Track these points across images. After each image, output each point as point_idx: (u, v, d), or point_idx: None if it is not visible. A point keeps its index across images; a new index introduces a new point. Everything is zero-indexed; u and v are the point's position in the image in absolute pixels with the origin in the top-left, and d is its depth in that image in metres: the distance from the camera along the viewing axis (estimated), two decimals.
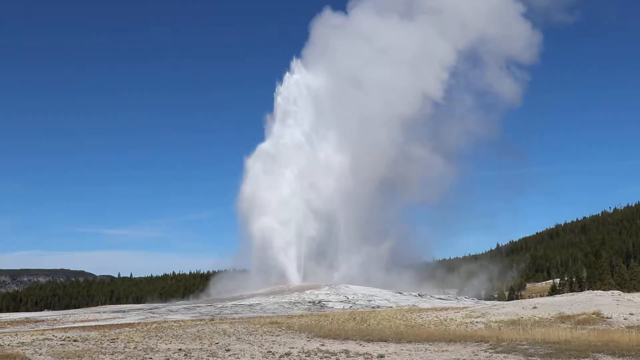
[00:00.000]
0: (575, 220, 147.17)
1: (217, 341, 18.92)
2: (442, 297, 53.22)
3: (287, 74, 69.90)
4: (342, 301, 43.85)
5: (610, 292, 32.96)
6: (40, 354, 15.98)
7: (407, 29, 70.79)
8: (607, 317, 24.24)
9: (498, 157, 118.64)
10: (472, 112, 76.27)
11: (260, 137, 71.26)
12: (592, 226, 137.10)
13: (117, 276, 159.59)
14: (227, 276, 69.46)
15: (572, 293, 42.94)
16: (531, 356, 14.57)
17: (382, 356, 15.03)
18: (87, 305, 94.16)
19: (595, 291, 34.93)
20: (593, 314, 24.80)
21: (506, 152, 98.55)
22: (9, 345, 18.34)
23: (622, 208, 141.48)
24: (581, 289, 68.11)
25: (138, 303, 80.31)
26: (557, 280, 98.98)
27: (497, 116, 79.16)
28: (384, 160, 67.62)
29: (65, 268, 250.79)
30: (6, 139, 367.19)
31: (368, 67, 68.32)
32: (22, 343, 18.87)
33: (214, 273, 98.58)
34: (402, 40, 70.01)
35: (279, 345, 17.63)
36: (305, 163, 66.18)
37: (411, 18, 71.76)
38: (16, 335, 22.85)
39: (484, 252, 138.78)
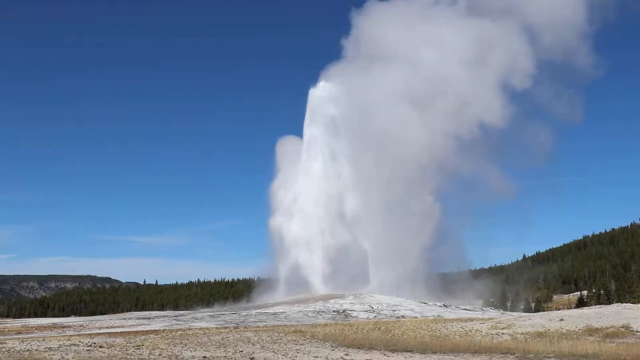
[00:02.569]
0: (603, 231, 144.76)
1: (241, 349, 18.95)
2: (468, 307, 52.72)
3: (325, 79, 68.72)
4: (366, 310, 43.68)
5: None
6: None
7: (470, 36, 69.39)
8: (636, 331, 23.78)
9: (536, 167, 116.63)
10: (528, 126, 75.42)
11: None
12: (621, 238, 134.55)
13: (142, 283, 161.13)
14: (254, 284, 69.55)
15: (600, 306, 42.25)
16: None
17: None
18: (113, 311, 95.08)
19: (624, 304, 34.37)
20: (622, 327, 24.36)
21: (546, 162, 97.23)
22: (36, 350, 18.55)
23: None
24: (609, 301, 66.95)
25: (163, 310, 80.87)
26: (585, 292, 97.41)
27: (551, 131, 78.05)
28: (425, 170, 66.37)
29: (92, 274, 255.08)
30: (34, 148, 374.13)
31: (423, 83, 66.44)
32: (50, 348, 19.08)
33: (239, 281, 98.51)
34: (465, 47, 68.71)
35: (303, 354, 17.60)
36: (336, 170, 65.50)
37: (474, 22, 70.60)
38: (43, 340, 23.12)
39: (510, 262, 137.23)
